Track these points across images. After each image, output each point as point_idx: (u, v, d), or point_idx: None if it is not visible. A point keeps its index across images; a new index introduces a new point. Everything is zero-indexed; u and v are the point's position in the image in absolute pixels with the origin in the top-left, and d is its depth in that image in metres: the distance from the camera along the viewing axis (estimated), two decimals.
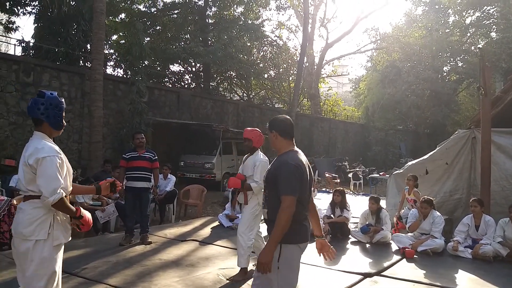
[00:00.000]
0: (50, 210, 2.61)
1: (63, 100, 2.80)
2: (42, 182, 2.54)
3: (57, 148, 2.66)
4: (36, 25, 13.11)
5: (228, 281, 4.40)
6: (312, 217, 2.95)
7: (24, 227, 2.55)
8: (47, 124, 2.69)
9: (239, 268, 4.55)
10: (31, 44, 12.77)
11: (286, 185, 2.65)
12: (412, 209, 6.64)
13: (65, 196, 2.62)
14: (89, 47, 13.13)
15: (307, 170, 2.81)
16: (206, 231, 7.07)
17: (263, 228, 5.28)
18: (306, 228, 2.78)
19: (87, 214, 2.80)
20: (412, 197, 7.08)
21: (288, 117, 3.00)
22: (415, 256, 5.69)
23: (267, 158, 4.70)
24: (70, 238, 2.75)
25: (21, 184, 2.63)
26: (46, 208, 2.58)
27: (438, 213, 6.20)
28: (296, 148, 2.92)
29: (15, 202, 6.20)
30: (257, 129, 4.91)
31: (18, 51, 12.99)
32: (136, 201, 6.18)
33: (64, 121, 2.81)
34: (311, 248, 5.95)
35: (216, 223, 7.66)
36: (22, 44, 12.60)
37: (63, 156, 2.68)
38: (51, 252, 2.58)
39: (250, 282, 4.33)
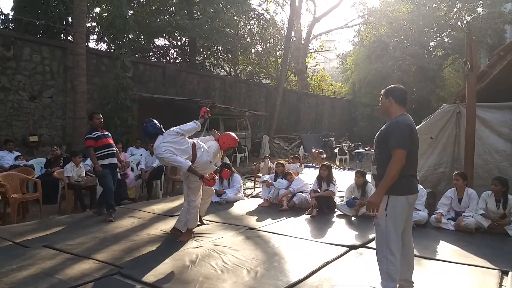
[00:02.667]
0: None
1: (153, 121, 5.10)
2: None
3: None
4: None
5: (217, 250, 4.43)
6: None
7: None
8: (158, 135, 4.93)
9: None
10: (10, 16, 12.32)
11: (397, 140, 3.07)
12: None
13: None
14: (70, 20, 12.73)
15: (416, 132, 3.23)
16: None
17: None
18: (413, 182, 3.23)
19: None
20: None
21: (403, 87, 3.43)
22: None
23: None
24: None
25: None
26: None
27: (420, 186, 6.29)
28: (406, 113, 3.29)
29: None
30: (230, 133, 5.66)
31: None
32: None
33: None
34: (297, 222, 6.00)
35: None
36: (1, 17, 12.15)
37: None
38: None
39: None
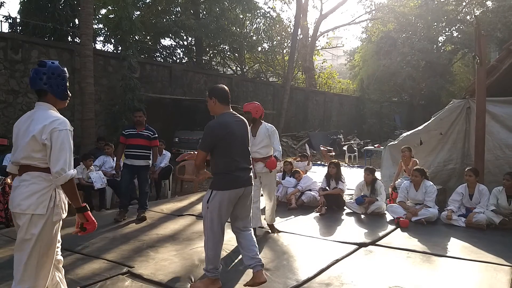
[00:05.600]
0: (53, 184, 2.45)
1: (65, 68, 2.62)
2: (58, 156, 2.38)
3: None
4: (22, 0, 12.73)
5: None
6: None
7: (22, 199, 2.38)
8: (51, 95, 2.53)
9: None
10: (18, 20, 12.42)
11: (201, 142, 3.41)
12: (405, 181, 6.64)
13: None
14: (77, 22, 12.81)
15: (234, 127, 3.40)
16: None
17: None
18: (235, 177, 3.35)
19: (91, 215, 2.58)
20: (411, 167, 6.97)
21: (224, 86, 3.55)
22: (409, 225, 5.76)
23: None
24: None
25: (18, 154, 2.46)
26: (49, 181, 2.43)
27: (430, 182, 6.23)
28: (229, 111, 3.48)
29: (8, 180, 6.19)
30: (256, 102, 5.26)
31: (5, 28, 12.66)
32: (132, 179, 6.21)
33: (68, 91, 2.64)
34: (306, 220, 5.98)
35: None
36: (9, 20, 12.25)
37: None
38: (50, 227, 2.43)
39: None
